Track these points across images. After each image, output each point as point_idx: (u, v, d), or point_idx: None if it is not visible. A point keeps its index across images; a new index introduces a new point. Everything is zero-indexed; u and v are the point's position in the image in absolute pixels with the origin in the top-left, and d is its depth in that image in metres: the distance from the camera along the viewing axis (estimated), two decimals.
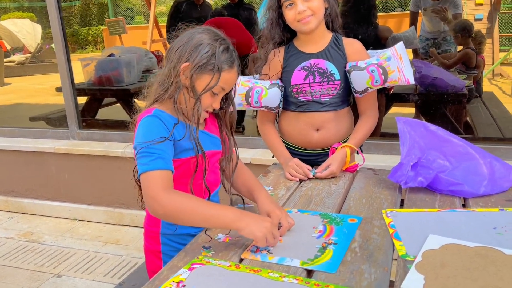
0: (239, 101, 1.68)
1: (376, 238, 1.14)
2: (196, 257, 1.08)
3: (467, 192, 1.34)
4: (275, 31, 1.68)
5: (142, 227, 3.17)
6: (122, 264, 2.61)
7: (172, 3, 5.98)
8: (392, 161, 2.42)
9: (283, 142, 1.76)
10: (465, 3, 8.87)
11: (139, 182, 1.19)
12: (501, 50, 9.09)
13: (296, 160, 1.63)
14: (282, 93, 1.69)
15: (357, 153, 1.71)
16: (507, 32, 11.02)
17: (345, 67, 1.65)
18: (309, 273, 1.01)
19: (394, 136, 3.22)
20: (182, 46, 1.21)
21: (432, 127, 1.48)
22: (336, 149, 1.64)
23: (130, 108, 4.43)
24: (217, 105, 1.25)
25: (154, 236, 1.31)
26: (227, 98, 1.32)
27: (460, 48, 4.24)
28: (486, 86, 6.41)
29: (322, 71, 1.65)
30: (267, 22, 1.72)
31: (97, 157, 3.04)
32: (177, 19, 5.55)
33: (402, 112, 4.12)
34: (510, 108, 4.31)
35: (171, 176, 1.14)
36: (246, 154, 2.63)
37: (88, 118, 3.67)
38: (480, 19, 8.20)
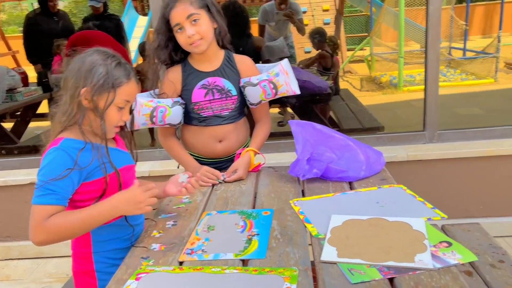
0: (143, 121, 1.75)
1: (291, 224, 1.35)
2: (139, 268, 1.16)
3: (351, 177, 1.64)
4: (162, 53, 1.78)
5: (33, 258, 2.99)
6: None
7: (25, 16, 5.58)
8: (279, 158, 2.70)
9: (189, 152, 1.88)
10: (314, 9, 9.85)
11: None
12: (348, 50, 10.33)
13: (206, 167, 1.78)
14: (183, 110, 1.81)
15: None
16: (351, 33, 12.55)
17: (239, 83, 1.84)
18: (244, 262, 1.17)
19: (275, 136, 3.56)
20: (76, 72, 1.27)
21: (318, 126, 1.75)
22: (240, 154, 1.82)
23: None
24: (126, 117, 1.35)
25: (85, 256, 1.34)
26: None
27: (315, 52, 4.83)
28: (339, 83, 7.24)
29: (220, 88, 1.81)
30: (152, 44, 1.79)
31: None
32: (34, 32, 5.19)
33: (272, 112, 4.53)
34: (363, 101, 5.02)
35: (57, 211, 1.20)
36: (143, 167, 2.67)
37: None
38: (328, 23, 9.21)
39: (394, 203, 1.42)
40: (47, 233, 1.18)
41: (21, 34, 5.47)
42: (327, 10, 9.37)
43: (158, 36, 1.76)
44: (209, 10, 1.70)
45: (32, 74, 5.19)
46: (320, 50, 4.62)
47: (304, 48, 8.56)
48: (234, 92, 1.82)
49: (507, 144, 2.46)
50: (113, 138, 1.40)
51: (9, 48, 8.40)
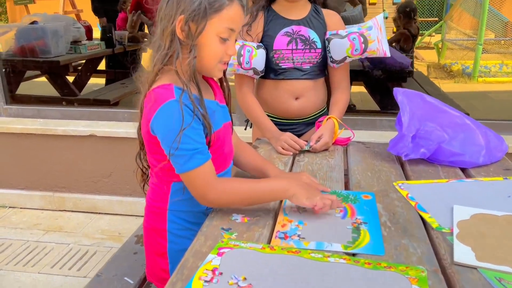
0: (230, 61, 1.55)
1: (401, 211, 1.09)
2: (220, 241, 0.96)
3: (468, 162, 1.36)
4: None
5: (86, 212, 2.90)
6: (71, 253, 2.35)
7: None
8: (358, 136, 2.43)
9: None
10: None
11: (141, 166, 1.21)
12: None
13: (289, 134, 1.55)
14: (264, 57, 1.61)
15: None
16: (420, 17, 11.79)
17: (325, 36, 1.63)
18: (353, 254, 0.94)
19: (352, 111, 3.27)
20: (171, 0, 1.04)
21: (429, 98, 1.47)
22: (321, 123, 1.59)
23: (59, 82, 4.03)
24: (233, 51, 1.09)
25: (159, 212, 1.15)
26: None
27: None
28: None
29: (304, 38, 1.61)
30: None
31: (32, 136, 2.69)
32: None
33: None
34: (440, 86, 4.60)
35: (211, 164, 1.05)
36: None
37: (17, 94, 3.24)
38: (398, 2, 8.62)
39: None
40: (220, 192, 1.05)
41: None
42: None
43: None
44: None
45: (96, 28, 5.16)
46: (403, 29, 4.22)
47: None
48: (319, 44, 1.62)
49: None
50: (212, 89, 1.19)
51: (73, 6, 8.46)
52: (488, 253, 0.89)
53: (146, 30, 5.55)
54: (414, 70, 7.30)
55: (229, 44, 1.07)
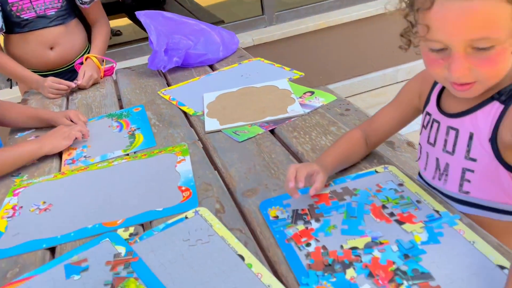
0: None
1: (166, 111, 1.33)
2: (12, 185, 1.05)
3: (212, 59, 1.66)
4: None
5: None
6: None
7: None
8: (129, 63, 2.56)
9: None
10: None
11: None
12: None
13: (51, 78, 1.59)
14: (1, 12, 1.55)
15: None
16: None
17: None
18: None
19: (120, 42, 3.30)
20: None
21: (168, 14, 1.69)
22: (81, 64, 1.66)
23: None
24: None
25: None
26: None
27: None
28: None
29: None
30: None
31: None
32: None
33: None
34: None
35: None
36: None
37: None
38: None
39: (257, 73, 1.50)
40: None
41: None
42: None
43: None
44: None
45: None
46: None
47: None
48: None
49: (333, 15, 2.72)
50: None
51: None
52: (227, 118, 1.20)
53: None
54: None
55: None
